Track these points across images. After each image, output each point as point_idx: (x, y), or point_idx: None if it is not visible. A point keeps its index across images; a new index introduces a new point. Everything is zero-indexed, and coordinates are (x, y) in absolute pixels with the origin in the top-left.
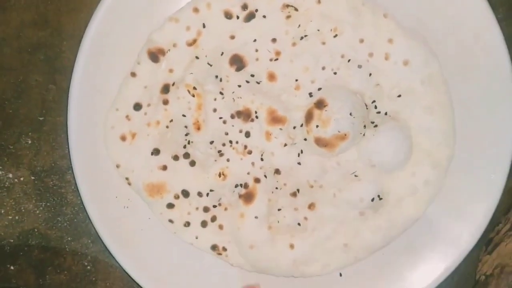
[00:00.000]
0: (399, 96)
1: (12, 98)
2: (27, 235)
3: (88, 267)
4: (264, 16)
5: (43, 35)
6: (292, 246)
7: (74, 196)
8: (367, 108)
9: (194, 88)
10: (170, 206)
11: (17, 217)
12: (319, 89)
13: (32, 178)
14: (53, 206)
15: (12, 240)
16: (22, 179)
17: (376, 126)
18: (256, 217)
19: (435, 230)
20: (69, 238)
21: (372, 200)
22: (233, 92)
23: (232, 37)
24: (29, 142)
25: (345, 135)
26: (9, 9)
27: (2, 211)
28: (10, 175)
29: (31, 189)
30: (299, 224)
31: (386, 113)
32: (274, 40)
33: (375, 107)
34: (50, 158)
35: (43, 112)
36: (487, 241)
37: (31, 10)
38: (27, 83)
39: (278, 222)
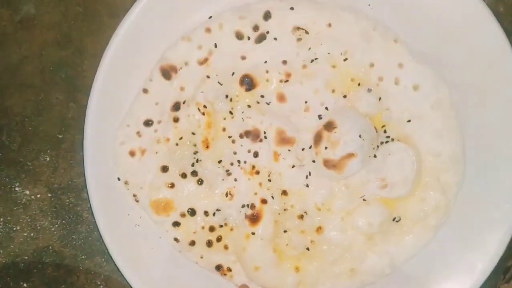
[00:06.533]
0: (409, 120)
1: (32, 116)
2: (42, 252)
3: (101, 286)
4: (275, 38)
5: (65, 54)
6: (297, 269)
7: (90, 214)
8: (376, 132)
9: (205, 106)
10: (176, 224)
11: (32, 234)
12: (328, 111)
13: (49, 195)
14: (68, 223)
15: (26, 257)
16: (39, 196)
17: (385, 149)
18: (261, 239)
19: (448, 258)
20: (83, 257)
21: (381, 224)
22: (242, 112)
23: (243, 58)
24: (48, 159)
25: (353, 154)
26: (32, 28)
27: (18, 228)
28: (27, 192)
29: (47, 206)
30: (307, 248)
31: (394, 138)
32: (284, 62)
33: (385, 131)
34: (68, 175)
35: (62, 129)
36: (505, 270)
37: (54, 30)
38: (47, 101)
39: (287, 245)
